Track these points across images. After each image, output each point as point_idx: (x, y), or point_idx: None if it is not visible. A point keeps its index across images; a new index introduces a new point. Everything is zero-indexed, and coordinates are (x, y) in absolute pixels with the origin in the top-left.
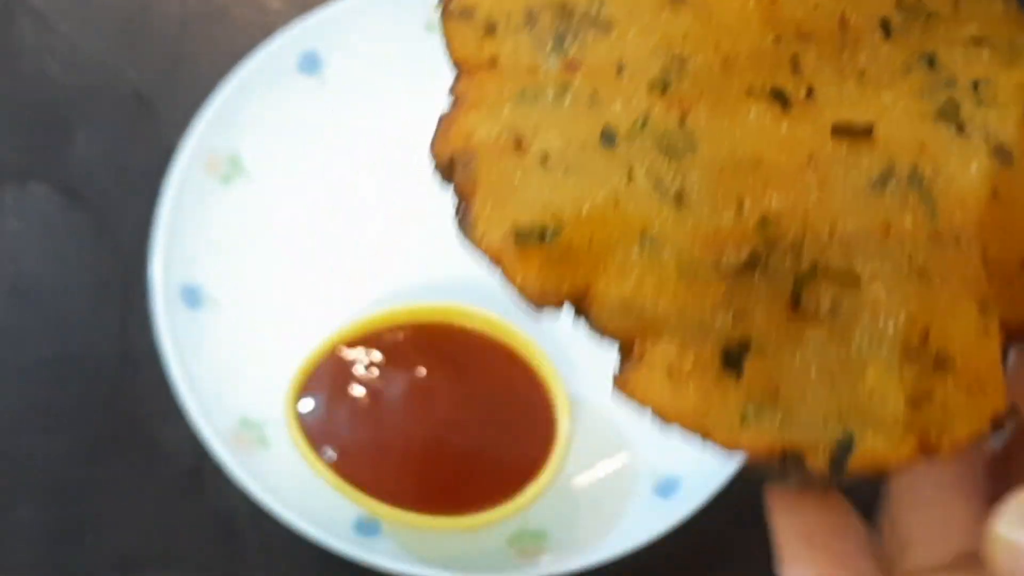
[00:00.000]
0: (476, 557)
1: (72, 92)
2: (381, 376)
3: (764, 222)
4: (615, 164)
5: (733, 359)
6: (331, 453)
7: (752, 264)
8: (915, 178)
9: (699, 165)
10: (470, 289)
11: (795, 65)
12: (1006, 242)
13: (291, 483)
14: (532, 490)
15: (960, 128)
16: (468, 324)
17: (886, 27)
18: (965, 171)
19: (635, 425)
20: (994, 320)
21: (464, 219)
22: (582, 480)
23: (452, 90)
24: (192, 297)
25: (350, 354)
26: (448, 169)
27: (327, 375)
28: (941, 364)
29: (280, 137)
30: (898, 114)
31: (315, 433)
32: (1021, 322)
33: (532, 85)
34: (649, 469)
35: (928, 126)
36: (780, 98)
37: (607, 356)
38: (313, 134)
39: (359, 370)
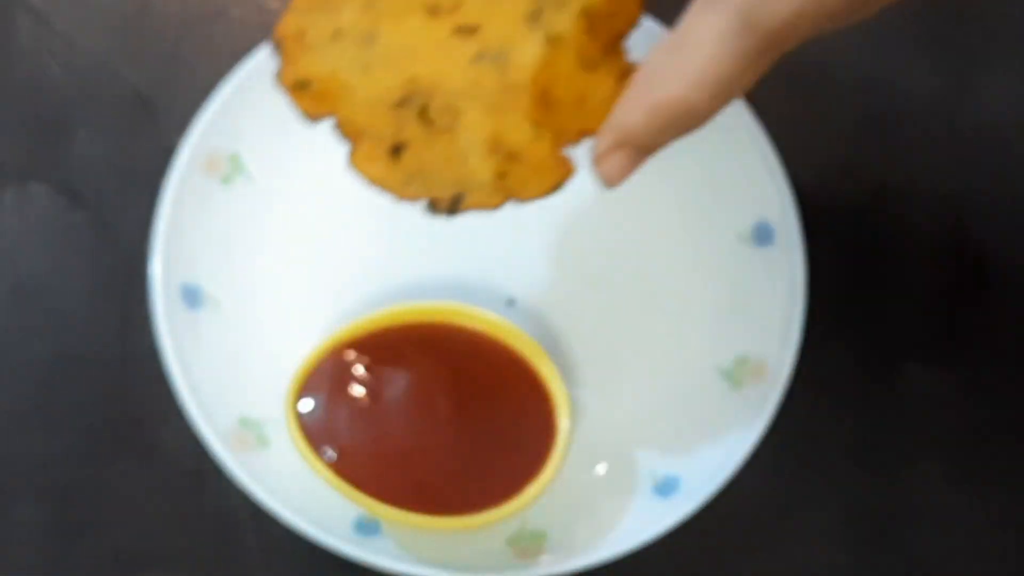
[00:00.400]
0: (475, 557)
1: (72, 92)
2: (381, 376)
3: (411, 80)
4: (339, 49)
5: (397, 151)
6: (331, 453)
7: (404, 102)
8: (499, 55)
9: (379, 50)
10: (470, 289)
11: None
12: (558, 89)
13: (291, 483)
14: (532, 491)
15: (533, 24)
16: (468, 324)
17: None
18: (527, 50)
19: (635, 425)
20: (545, 132)
21: (278, 74)
22: (581, 480)
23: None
24: (192, 297)
25: (350, 354)
26: (277, 44)
27: (327, 375)
28: (512, 157)
29: (280, 137)
30: (501, 16)
31: (315, 433)
32: (577, 131)
33: (314, 4)
34: (648, 469)
35: (516, 21)
36: (434, 11)
37: (606, 357)
38: (313, 134)
39: (359, 370)
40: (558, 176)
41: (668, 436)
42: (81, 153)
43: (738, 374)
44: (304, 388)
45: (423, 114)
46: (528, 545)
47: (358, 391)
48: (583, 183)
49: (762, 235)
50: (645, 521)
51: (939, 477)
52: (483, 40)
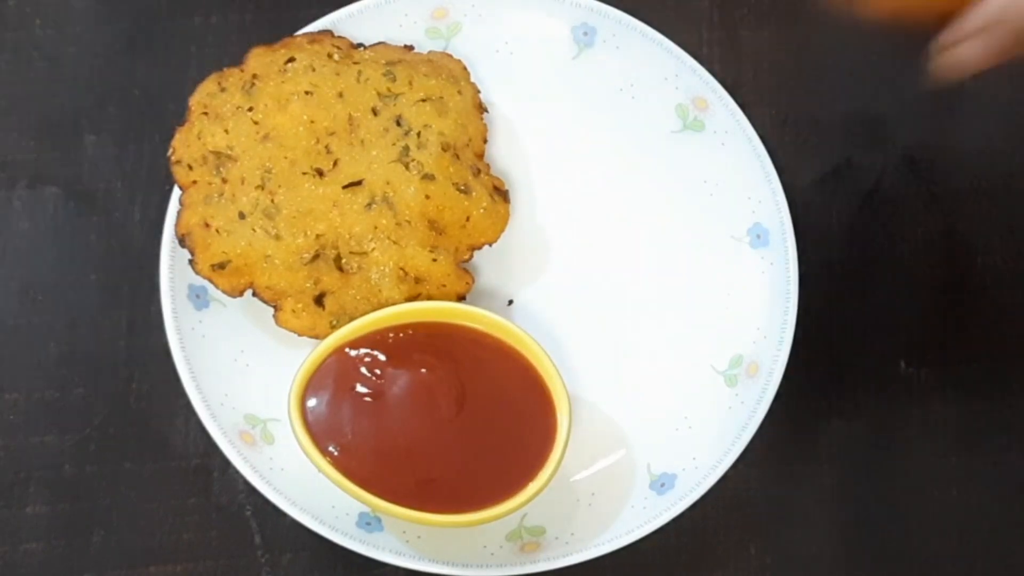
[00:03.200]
0: (476, 552)
1: (82, 96)
2: (383, 375)
3: (318, 237)
4: (247, 228)
5: (319, 301)
6: (334, 450)
7: (316, 257)
8: (385, 199)
9: (283, 219)
10: (472, 290)
11: (328, 150)
12: (443, 215)
13: (296, 478)
14: (532, 488)
15: (407, 166)
16: (469, 323)
17: (375, 111)
18: (408, 190)
19: (632, 423)
20: (442, 254)
21: (192, 262)
22: (580, 477)
23: (180, 199)
24: (199, 297)
25: (353, 353)
26: (182, 239)
27: (330, 373)
28: (419, 280)
29: None
30: (377, 164)
31: (318, 430)
32: (467, 247)
33: (209, 193)
34: (645, 466)
35: (392, 167)
36: (319, 173)
37: (604, 356)
38: None
39: (361, 369)
40: (461, 288)
41: (665, 433)
42: (91, 156)
43: (733, 373)
44: (308, 386)
45: (337, 263)
46: (527, 540)
47: (360, 389)
48: (583, 185)
49: (757, 237)
50: (642, 517)
51: (928, 473)
52: (369, 190)
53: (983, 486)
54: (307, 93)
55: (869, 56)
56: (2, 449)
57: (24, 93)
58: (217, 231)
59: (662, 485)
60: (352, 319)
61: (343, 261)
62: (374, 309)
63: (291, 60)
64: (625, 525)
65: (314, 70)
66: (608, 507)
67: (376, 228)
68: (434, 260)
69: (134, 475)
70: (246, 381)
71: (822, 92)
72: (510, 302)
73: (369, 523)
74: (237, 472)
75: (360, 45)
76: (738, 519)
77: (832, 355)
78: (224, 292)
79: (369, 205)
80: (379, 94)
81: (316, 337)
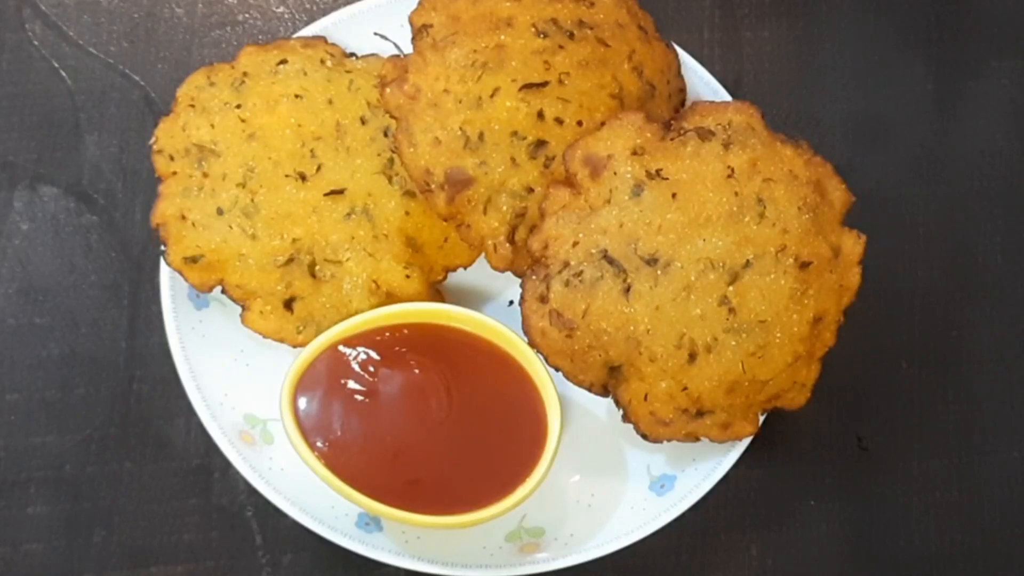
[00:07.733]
0: (475, 552)
1: (82, 97)
2: (376, 373)
3: (294, 241)
4: (224, 224)
5: (289, 305)
6: (322, 446)
7: (290, 261)
8: (366, 210)
9: (261, 219)
10: (472, 291)
11: (313, 154)
12: (422, 233)
13: (296, 479)
14: (522, 491)
15: (390, 179)
16: (462, 325)
17: (363, 120)
18: (389, 204)
19: (630, 425)
20: (416, 272)
21: (164, 254)
22: (579, 478)
23: (158, 189)
24: (199, 297)
25: (346, 351)
26: (156, 229)
27: (324, 372)
28: (390, 295)
29: None
30: (361, 174)
31: (309, 426)
32: (442, 267)
33: (188, 186)
34: (644, 467)
35: (375, 179)
36: (302, 176)
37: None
38: None
39: (354, 367)
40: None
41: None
42: (91, 156)
43: None
44: (300, 385)
45: (311, 269)
46: (526, 541)
47: (353, 387)
48: None
49: None
50: (642, 518)
51: (930, 474)
52: (351, 200)
53: (983, 486)
54: (297, 96)
55: (869, 56)
56: (3, 449)
57: (24, 93)
58: (193, 224)
59: (662, 486)
60: (319, 327)
61: (317, 268)
62: (342, 319)
63: (283, 62)
64: (625, 526)
65: (306, 74)
66: (608, 508)
67: (353, 238)
68: (407, 277)
69: (135, 475)
70: (246, 381)
71: (822, 92)
72: (511, 303)
73: (368, 523)
74: (238, 473)
75: (353, 55)
76: (738, 519)
77: (832, 355)
78: (193, 287)
79: (349, 215)
80: (369, 104)
81: (281, 341)
